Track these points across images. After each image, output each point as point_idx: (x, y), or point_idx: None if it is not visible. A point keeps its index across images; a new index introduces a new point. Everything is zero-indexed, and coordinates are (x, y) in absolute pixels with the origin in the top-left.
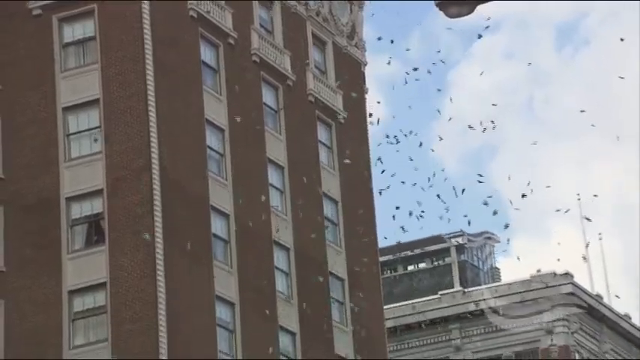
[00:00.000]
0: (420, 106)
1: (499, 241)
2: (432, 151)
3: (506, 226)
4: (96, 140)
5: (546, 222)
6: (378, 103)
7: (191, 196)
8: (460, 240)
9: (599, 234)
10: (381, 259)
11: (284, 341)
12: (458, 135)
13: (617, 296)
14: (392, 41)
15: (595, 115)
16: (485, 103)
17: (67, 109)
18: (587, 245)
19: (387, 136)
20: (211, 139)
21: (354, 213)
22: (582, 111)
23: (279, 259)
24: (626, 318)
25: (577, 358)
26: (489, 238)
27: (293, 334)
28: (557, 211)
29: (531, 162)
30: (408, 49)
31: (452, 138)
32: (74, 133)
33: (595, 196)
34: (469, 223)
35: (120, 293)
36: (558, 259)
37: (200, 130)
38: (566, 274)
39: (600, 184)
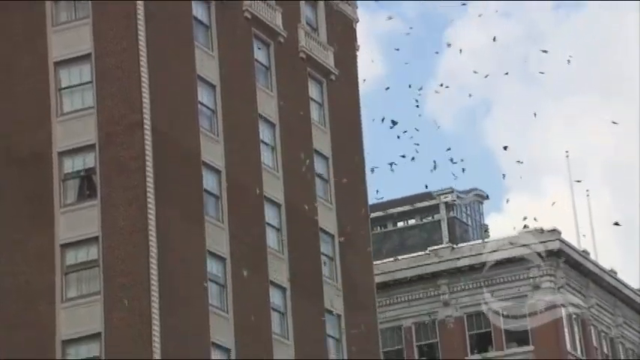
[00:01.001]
0: (416, 64)
1: (488, 198)
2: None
3: (504, 176)
4: None
5: (538, 179)
6: (372, 61)
7: (183, 152)
8: (450, 197)
9: (587, 191)
10: (371, 215)
11: (274, 296)
12: (453, 92)
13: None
14: None
15: (588, 74)
16: (481, 61)
17: (59, 64)
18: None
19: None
20: (203, 95)
21: (345, 170)
22: (569, 60)
23: (270, 214)
24: (612, 273)
25: (563, 313)
26: (479, 195)
27: (283, 288)
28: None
29: (525, 119)
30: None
31: (447, 95)
32: (66, 88)
33: (583, 153)
34: (463, 170)
35: (112, 247)
36: (534, 219)
37: (191, 86)
38: (553, 231)
39: (591, 140)
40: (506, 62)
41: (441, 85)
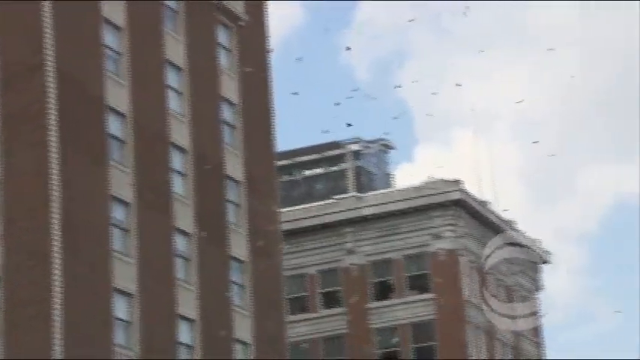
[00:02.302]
0: (331, 14)
1: (395, 148)
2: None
3: (398, 117)
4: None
5: (447, 131)
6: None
7: (87, 95)
8: (356, 146)
9: (492, 143)
10: (278, 163)
11: (179, 242)
12: (368, 42)
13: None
14: None
15: (502, 28)
16: (397, 12)
17: None
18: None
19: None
20: (109, 38)
21: (253, 116)
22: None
23: (176, 160)
24: (512, 223)
25: (462, 261)
26: (385, 144)
27: (188, 234)
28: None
29: (438, 72)
30: None
31: (362, 45)
32: None
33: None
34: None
35: (14, 190)
36: (429, 169)
37: (97, 28)
38: (456, 181)
39: (502, 93)
40: (421, 15)
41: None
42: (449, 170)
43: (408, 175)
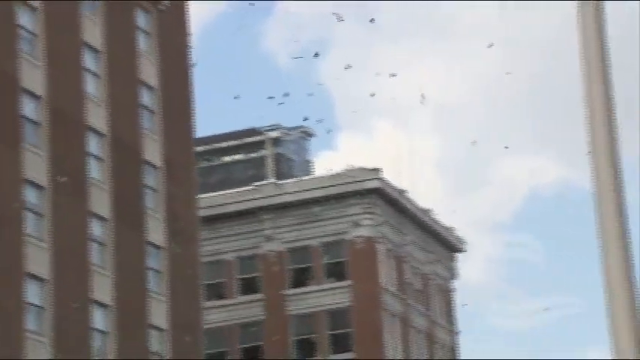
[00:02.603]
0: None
1: (315, 135)
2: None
3: (320, 121)
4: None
5: (369, 120)
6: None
7: (1, 76)
8: (276, 133)
9: (412, 133)
10: (197, 149)
11: (95, 227)
12: (290, 30)
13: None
14: None
15: (422, 17)
16: (319, 2)
17: None
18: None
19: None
20: (24, 19)
21: (172, 102)
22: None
23: (93, 144)
24: (429, 212)
25: (380, 249)
26: (305, 132)
27: (104, 219)
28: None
29: (360, 60)
30: None
31: (284, 33)
32: None
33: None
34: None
35: None
36: (359, 158)
37: (11, 8)
38: (374, 170)
39: (424, 83)
40: (345, 5)
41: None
42: (369, 159)
43: (329, 163)
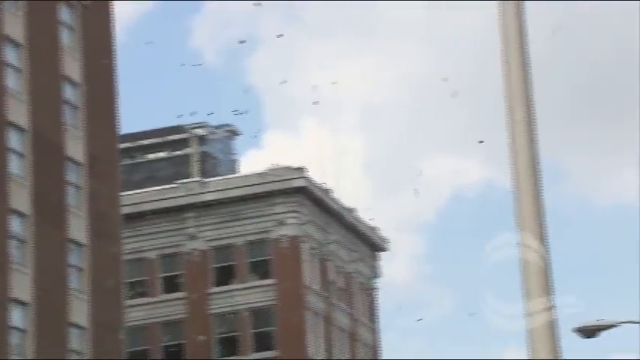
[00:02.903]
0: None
1: (240, 134)
2: None
3: (242, 112)
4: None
5: (296, 119)
6: None
7: None
8: (201, 131)
9: (338, 132)
10: (121, 145)
11: (14, 223)
12: (218, 27)
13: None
14: None
15: (350, 16)
16: None
17: None
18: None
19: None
20: None
21: (96, 97)
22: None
23: (13, 139)
24: (353, 211)
25: (304, 248)
26: (231, 130)
27: (24, 215)
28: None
29: (288, 58)
30: None
31: (211, 30)
32: None
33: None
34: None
35: None
36: (284, 157)
37: None
38: (300, 169)
39: (349, 81)
40: (272, 3)
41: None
42: (295, 158)
43: (256, 161)
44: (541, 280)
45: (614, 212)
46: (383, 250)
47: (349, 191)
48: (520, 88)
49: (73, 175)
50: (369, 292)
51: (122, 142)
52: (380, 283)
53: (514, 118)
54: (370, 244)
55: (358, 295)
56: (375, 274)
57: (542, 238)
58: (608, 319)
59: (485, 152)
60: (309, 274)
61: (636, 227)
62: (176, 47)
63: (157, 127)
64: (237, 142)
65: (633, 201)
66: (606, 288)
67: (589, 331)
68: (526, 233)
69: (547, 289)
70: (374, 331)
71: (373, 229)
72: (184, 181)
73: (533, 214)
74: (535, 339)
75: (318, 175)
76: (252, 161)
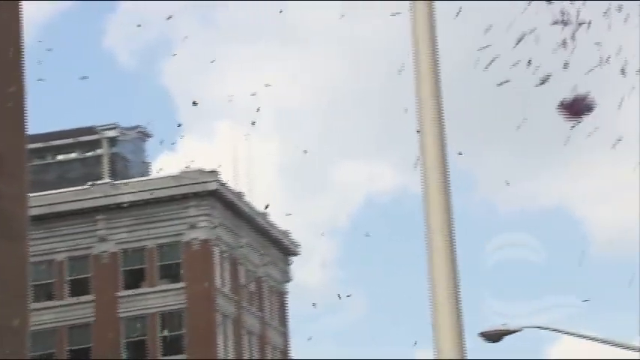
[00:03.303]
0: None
1: (152, 136)
2: None
3: (179, 125)
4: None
5: (211, 122)
6: None
7: None
8: (113, 133)
9: (246, 135)
10: (30, 146)
11: None
12: (133, 29)
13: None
14: None
15: (267, 20)
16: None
17: None
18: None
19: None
20: None
21: (3, 96)
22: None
23: None
24: (265, 215)
25: (215, 251)
26: (142, 132)
27: None
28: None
29: (204, 62)
30: None
31: (126, 31)
32: None
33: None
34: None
35: None
36: (194, 160)
37: None
38: (213, 172)
39: (266, 87)
40: (189, 4)
41: None
42: (208, 161)
43: (169, 164)
44: (449, 285)
45: (520, 218)
46: (294, 254)
47: (262, 195)
48: (430, 94)
49: None
50: (280, 295)
51: (32, 143)
52: (291, 287)
53: (424, 125)
54: (282, 248)
55: (269, 298)
56: (286, 278)
57: (450, 243)
58: (511, 324)
59: (399, 158)
60: (220, 278)
61: (538, 233)
62: (90, 48)
63: (68, 128)
64: (152, 145)
65: (537, 207)
66: (512, 293)
67: (493, 336)
68: (435, 238)
69: (455, 292)
70: (284, 334)
71: (285, 233)
72: (95, 182)
73: (442, 220)
74: (441, 339)
75: (231, 178)
76: (166, 164)
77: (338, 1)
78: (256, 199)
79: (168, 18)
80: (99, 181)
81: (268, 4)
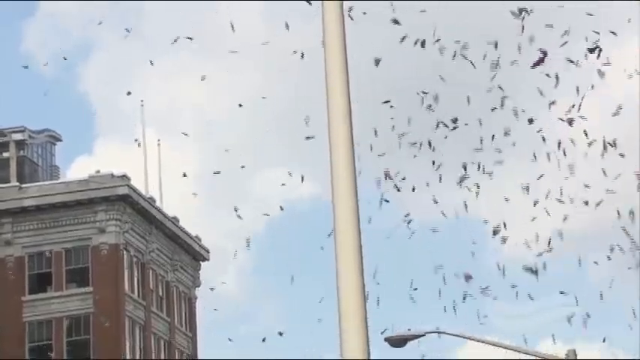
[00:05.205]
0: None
1: (61, 140)
2: None
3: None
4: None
5: (127, 128)
6: None
7: None
8: (21, 135)
9: (158, 140)
10: None
11: None
12: (52, 33)
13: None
14: None
15: (191, 28)
16: (84, 5)
17: None
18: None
19: None
20: None
21: None
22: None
23: None
24: (175, 220)
25: (124, 256)
26: (51, 136)
27: None
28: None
29: (124, 70)
30: None
31: (46, 36)
32: None
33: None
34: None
35: None
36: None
37: None
38: (123, 176)
39: (185, 94)
40: (110, 11)
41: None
42: (123, 167)
43: (84, 168)
44: (356, 293)
45: (430, 227)
46: (204, 259)
47: (177, 202)
48: (340, 102)
49: None
50: (189, 301)
51: None
52: (201, 292)
53: (333, 136)
54: (192, 253)
55: (178, 303)
56: (195, 283)
57: (358, 251)
58: (414, 329)
59: (316, 168)
60: (129, 282)
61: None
62: (8, 50)
63: None
64: (67, 150)
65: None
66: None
67: (397, 341)
68: (343, 245)
69: (361, 299)
70: (192, 340)
71: (195, 238)
72: (2, 185)
73: (350, 229)
74: (348, 339)
75: (144, 184)
76: (81, 168)
77: (258, 12)
78: (172, 205)
79: (99, 23)
80: (5, 185)
81: (189, 13)
